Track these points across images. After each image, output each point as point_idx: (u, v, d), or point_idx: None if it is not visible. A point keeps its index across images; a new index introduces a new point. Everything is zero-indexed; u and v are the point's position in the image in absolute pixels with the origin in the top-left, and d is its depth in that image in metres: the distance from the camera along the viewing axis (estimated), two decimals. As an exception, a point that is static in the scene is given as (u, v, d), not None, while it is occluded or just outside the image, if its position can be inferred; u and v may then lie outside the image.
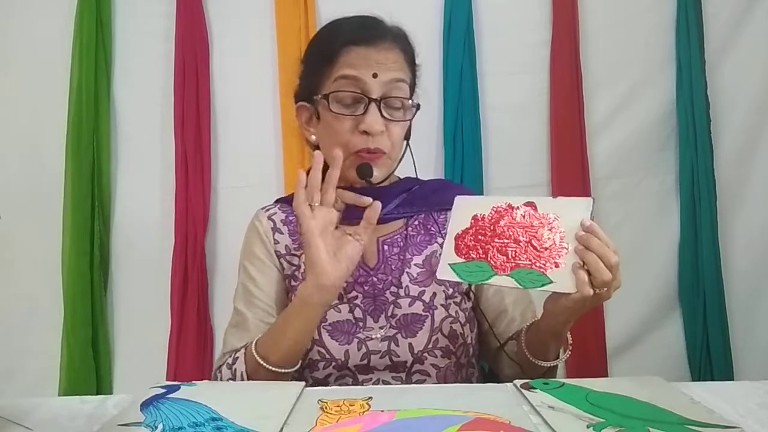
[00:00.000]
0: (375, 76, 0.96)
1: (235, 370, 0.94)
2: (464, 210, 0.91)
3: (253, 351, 0.92)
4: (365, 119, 0.96)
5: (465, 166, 1.82)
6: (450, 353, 1.00)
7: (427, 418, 0.70)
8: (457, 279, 0.88)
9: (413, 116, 1.03)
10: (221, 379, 0.97)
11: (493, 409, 0.72)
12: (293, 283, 1.04)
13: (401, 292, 1.01)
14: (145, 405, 0.76)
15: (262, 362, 0.91)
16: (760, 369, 1.81)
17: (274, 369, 0.90)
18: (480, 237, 0.88)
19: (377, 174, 0.99)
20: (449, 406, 0.73)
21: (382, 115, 0.97)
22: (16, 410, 0.77)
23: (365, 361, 0.97)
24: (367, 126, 0.96)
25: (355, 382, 0.98)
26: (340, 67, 0.98)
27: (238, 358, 0.95)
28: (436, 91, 1.84)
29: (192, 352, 1.80)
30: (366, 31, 1.00)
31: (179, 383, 0.84)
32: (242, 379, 0.93)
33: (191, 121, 1.83)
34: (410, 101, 1.02)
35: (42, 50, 1.84)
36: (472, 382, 1.04)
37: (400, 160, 1.06)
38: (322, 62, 1.00)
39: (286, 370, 0.92)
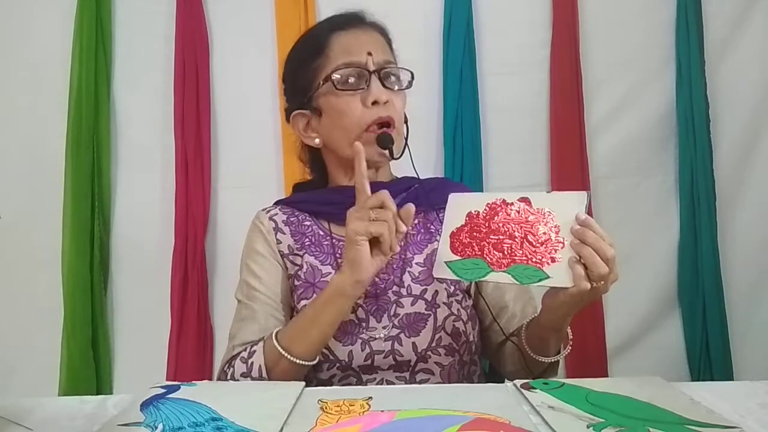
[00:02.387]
0: (370, 54, 1.01)
1: (252, 363, 0.94)
2: (458, 207, 0.91)
3: (275, 342, 0.92)
4: (371, 91, 1.00)
5: (465, 166, 1.82)
6: (453, 351, 1.00)
7: (427, 418, 0.70)
8: (454, 277, 0.88)
9: (410, 85, 1.07)
10: (234, 373, 0.95)
11: (493, 409, 0.72)
12: (296, 282, 1.04)
13: (403, 291, 1.01)
14: (145, 405, 0.76)
15: (285, 353, 0.91)
16: (759, 369, 1.81)
17: (298, 361, 0.91)
18: (475, 234, 0.88)
19: (394, 147, 1.02)
20: (449, 406, 0.73)
21: (384, 86, 1.01)
22: (16, 410, 0.77)
23: (369, 361, 0.97)
24: (375, 96, 1.00)
25: (359, 383, 0.98)
26: (336, 56, 1.02)
27: (255, 351, 0.95)
28: (436, 91, 1.84)
29: (192, 352, 1.80)
30: (348, 17, 1.06)
31: (179, 383, 0.84)
32: (258, 373, 0.93)
33: (191, 121, 1.83)
34: (404, 70, 1.06)
35: (42, 50, 1.84)
36: (474, 380, 1.05)
37: (402, 152, 1.06)
38: (312, 57, 1.04)
39: (309, 363, 0.92)
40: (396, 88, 1.04)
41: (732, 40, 1.86)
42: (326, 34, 1.04)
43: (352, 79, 1.01)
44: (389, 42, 1.09)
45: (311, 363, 0.93)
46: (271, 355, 0.93)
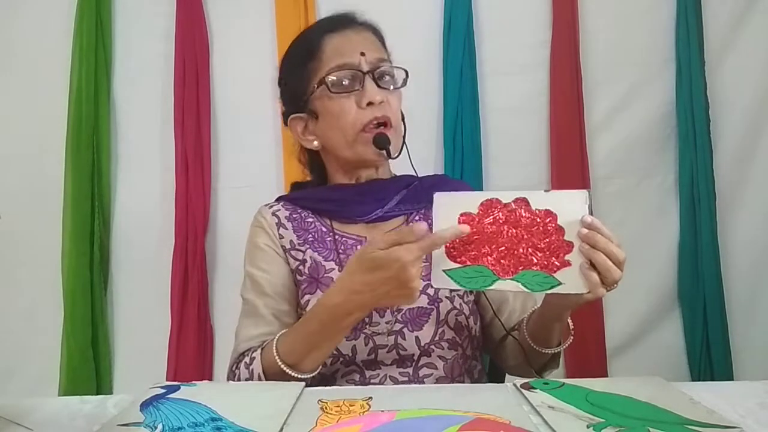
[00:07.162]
0: (363, 54, 1.01)
1: (252, 371, 0.92)
2: (448, 209, 0.81)
3: (275, 355, 0.89)
4: (365, 92, 1.01)
5: (465, 167, 1.82)
6: (457, 345, 1.00)
7: (427, 418, 0.70)
8: (456, 286, 0.82)
9: (404, 83, 1.07)
10: (239, 376, 0.94)
11: (493, 409, 0.72)
12: (298, 277, 1.04)
13: None
14: (145, 405, 0.76)
15: (286, 369, 0.88)
16: (760, 369, 1.81)
17: (300, 375, 0.88)
18: (473, 238, 0.80)
19: (391, 147, 1.02)
20: (449, 406, 0.73)
21: (378, 86, 1.02)
22: (16, 410, 0.77)
23: (372, 356, 0.98)
24: (369, 97, 1.00)
25: (362, 378, 0.98)
26: (329, 59, 1.02)
27: (254, 358, 0.93)
28: (436, 91, 1.84)
29: (192, 352, 1.80)
30: (339, 18, 1.06)
31: (179, 383, 0.84)
32: (260, 380, 0.91)
33: (191, 121, 1.83)
34: (398, 68, 1.06)
35: (42, 50, 1.84)
36: (474, 374, 1.05)
37: (400, 151, 1.06)
38: (305, 61, 1.04)
39: (310, 376, 0.89)
40: (391, 87, 1.04)
41: (732, 40, 1.86)
42: (318, 37, 1.04)
43: (346, 81, 1.01)
44: (382, 40, 1.09)
45: (312, 375, 0.90)
46: (272, 368, 0.90)
